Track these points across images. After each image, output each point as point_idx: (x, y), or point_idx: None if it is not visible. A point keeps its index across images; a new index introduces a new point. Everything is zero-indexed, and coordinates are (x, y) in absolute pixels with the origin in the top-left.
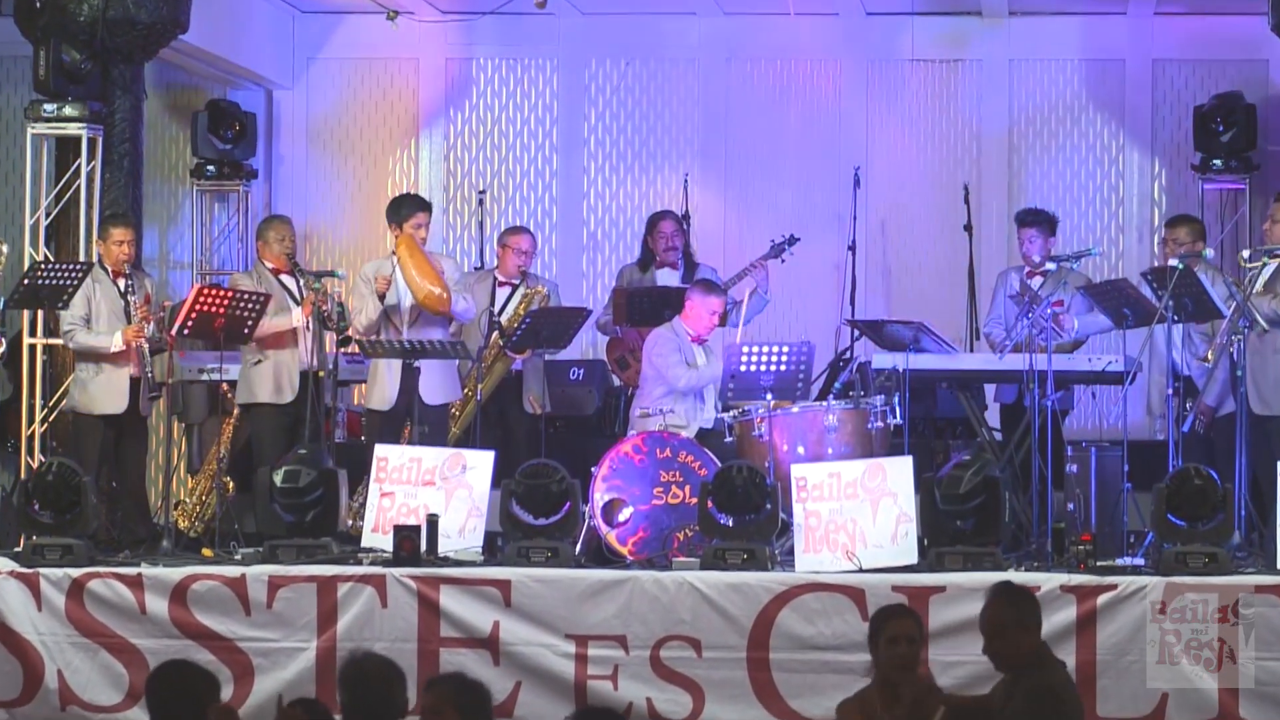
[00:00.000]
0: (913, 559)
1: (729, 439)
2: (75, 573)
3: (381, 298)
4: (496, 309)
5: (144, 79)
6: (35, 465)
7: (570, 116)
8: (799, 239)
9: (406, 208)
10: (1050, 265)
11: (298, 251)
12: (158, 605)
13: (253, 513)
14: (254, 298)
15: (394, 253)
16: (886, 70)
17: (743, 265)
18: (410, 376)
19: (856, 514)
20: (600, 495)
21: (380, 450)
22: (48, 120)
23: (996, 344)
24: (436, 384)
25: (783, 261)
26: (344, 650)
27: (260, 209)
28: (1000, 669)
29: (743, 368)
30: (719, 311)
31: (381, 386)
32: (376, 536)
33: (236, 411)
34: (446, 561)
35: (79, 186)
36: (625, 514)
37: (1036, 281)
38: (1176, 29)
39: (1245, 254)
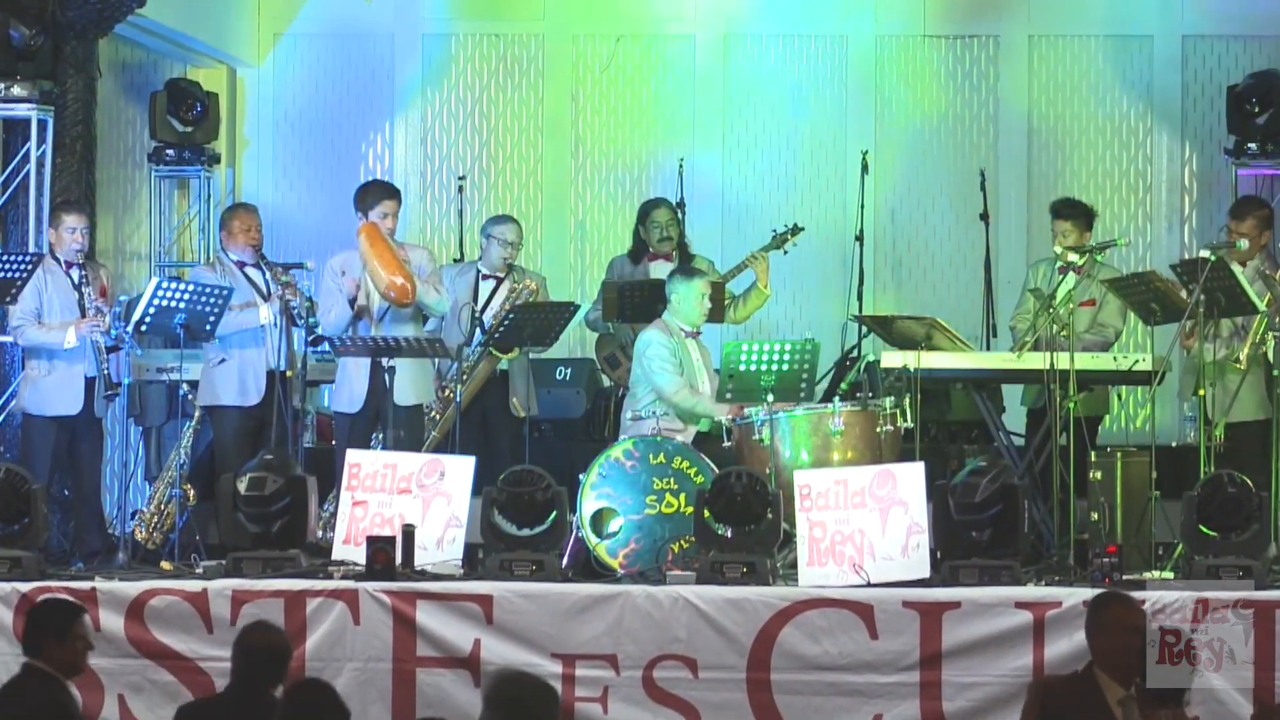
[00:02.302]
0: (925, 573)
1: (727, 443)
2: (25, 587)
3: (353, 302)
4: (479, 304)
5: (98, 56)
6: None
7: (557, 96)
8: (802, 228)
9: (372, 195)
10: (1074, 257)
11: (265, 242)
12: (113, 622)
13: (215, 523)
14: (217, 291)
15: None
16: (897, 47)
17: (741, 257)
18: (380, 376)
19: (864, 524)
20: (589, 504)
21: (352, 456)
22: None
23: (1019, 337)
24: (409, 384)
25: (785, 253)
26: (312, 669)
27: (224, 196)
28: (1129, 683)
29: (742, 367)
30: (707, 294)
31: (349, 386)
32: (348, 548)
33: (198, 414)
34: (423, 575)
35: (28, 172)
36: (616, 524)
37: (1072, 278)
38: (1208, 2)
39: None
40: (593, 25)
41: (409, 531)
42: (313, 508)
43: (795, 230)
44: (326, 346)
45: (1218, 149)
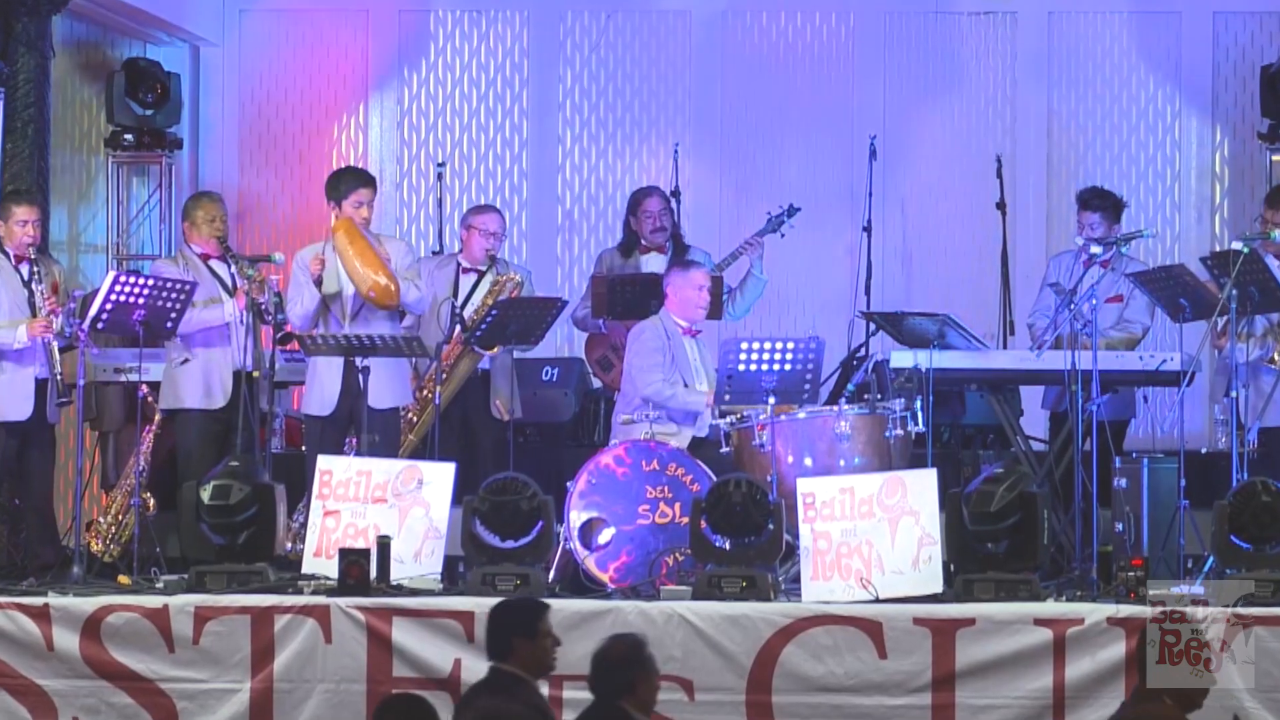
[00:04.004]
0: (937, 587)
1: (726, 449)
2: None
3: (318, 283)
4: (460, 300)
5: (51, 34)
6: None
7: (543, 77)
8: (799, 209)
9: (345, 184)
10: (1097, 249)
11: (230, 234)
12: (67, 641)
13: (177, 534)
14: (179, 286)
15: (331, 236)
16: (907, 24)
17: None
18: (354, 376)
19: (872, 535)
20: (577, 514)
21: (323, 462)
22: None
23: (1038, 334)
24: (385, 385)
25: (782, 236)
26: (280, 691)
27: (186, 184)
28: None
29: (741, 367)
30: (705, 286)
31: (320, 388)
32: (319, 561)
33: (159, 418)
34: (400, 590)
35: None
36: (606, 535)
37: (1095, 272)
38: None
39: None
40: (581, 1)
41: (384, 543)
42: (281, 518)
43: (792, 211)
44: (296, 345)
45: (1250, 133)
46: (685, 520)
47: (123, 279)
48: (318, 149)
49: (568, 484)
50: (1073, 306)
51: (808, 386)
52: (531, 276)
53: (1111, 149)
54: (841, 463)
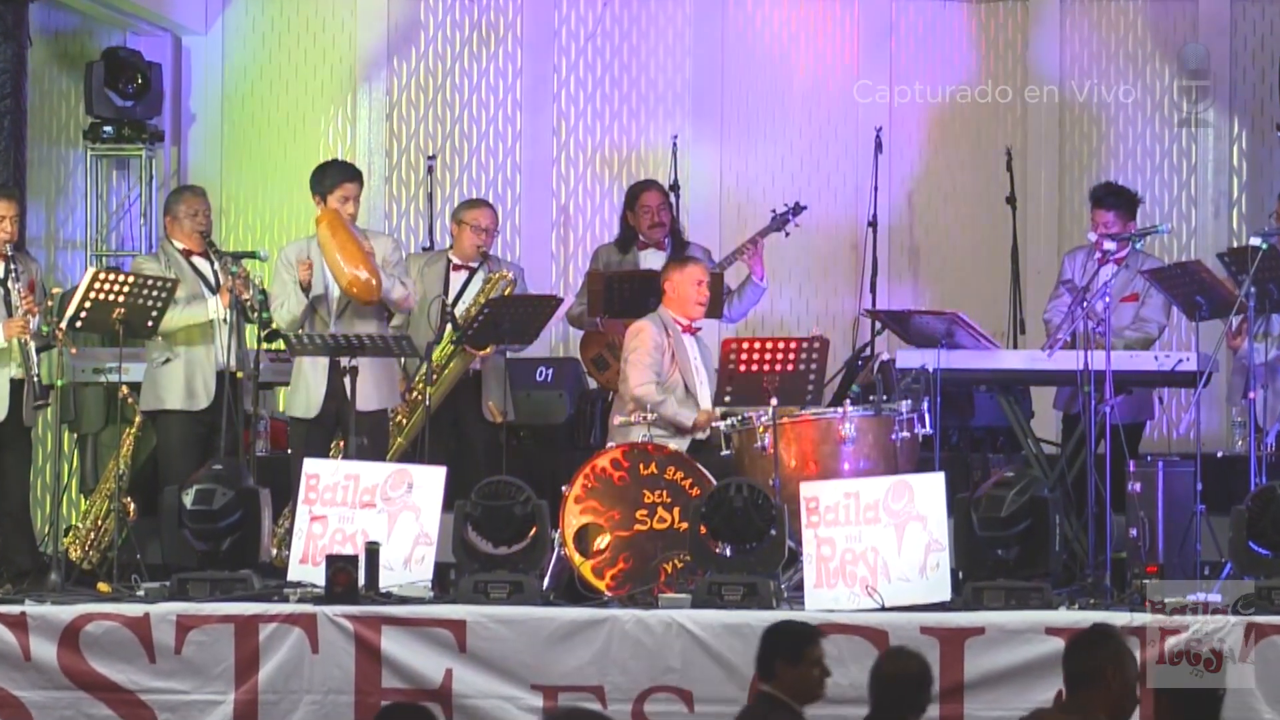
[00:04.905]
0: (945, 595)
1: (726, 452)
2: None
3: (306, 289)
4: (450, 297)
5: (28, 23)
6: None
7: (537, 67)
8: (805, 207)
9: (331, 177)
10: (1110, 245)
11: (213, 229)
12: (45, 650)
13: (158, 540)
14: (160, 284)
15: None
16: (914, 11)
17: (739, 244)
18: (339, 377)
19: (878, 541)
20: (573, 519)
21: (310, 465)
22: None
23: (1053, 330)
24: (372, 386)
25: (786, 235)
26: (266, 703)
27: (168, 178)
28: None
29: (743, 367)
30: (705, 281)
31: (305, 389)
32: (306, 568)
33: (139, 419)
34: (389, 598)
35: None
36: (602, 541)
37: (1109, 270)
38: None
39: None
40: None
41: (373, 550)
42: (266, 523)
43: (797, 209)
44: (282, 345)
45: (1270, 125)
46: (684, 526)
47: (102, 276)
48: (304, 142)
49: (563, 488)
50: (1086, 304)
51: (811, 387)
52: (524, 274)
53: (1126, 141)
54: (846, 466)
